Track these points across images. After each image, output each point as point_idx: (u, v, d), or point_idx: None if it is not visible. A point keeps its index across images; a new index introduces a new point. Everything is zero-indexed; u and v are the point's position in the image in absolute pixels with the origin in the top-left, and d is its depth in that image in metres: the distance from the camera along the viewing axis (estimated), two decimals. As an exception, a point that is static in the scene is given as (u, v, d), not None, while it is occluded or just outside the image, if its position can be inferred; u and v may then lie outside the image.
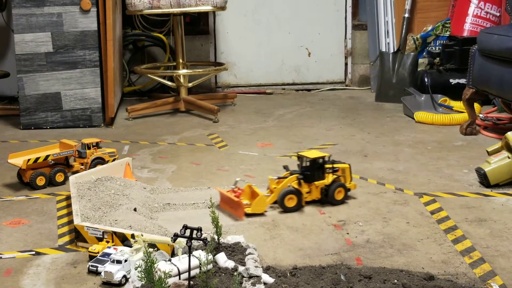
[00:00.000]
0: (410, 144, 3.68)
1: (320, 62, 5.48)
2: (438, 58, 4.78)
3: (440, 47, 4.87)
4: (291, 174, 2.68)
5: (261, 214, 2.59)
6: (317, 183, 2.66)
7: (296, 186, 2.64)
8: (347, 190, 2.73)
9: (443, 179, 3.04)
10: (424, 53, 4.99)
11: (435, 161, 3.33)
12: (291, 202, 2.62)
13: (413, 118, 4.22)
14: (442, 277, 2.03)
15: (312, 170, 2.66)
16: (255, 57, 5.44)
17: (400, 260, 2.17)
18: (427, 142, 3.71)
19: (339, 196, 2.69)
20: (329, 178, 2.68)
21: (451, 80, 4.65)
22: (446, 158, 3.38)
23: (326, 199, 2.68)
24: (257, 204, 2.58)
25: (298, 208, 2.63)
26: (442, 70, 4.71)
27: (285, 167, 2.74)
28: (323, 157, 2.68)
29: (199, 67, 4.84)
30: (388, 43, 5.11)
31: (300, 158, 2.71)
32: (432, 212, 2.61)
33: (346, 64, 5.49)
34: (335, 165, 2.71)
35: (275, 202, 2.65)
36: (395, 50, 5.02)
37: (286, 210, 2.61)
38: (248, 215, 2.57)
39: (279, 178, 2.70)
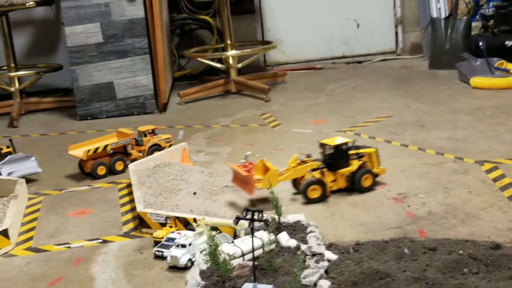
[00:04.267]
0: (468, 111, 3.58)
1: (369, 33, 5.38)
2: (492, 21, 4.62)
3: (494, 9, 4.71)
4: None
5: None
6: (341, 171, 2.50)
7: (318, 176, 2.48)
8: (375, 176, 2.55)
9: (504, 145, 2.95)
10: (477, 16, 4.85)
11: (494, 127, 3.24)
12: (314, 193, 2.46)
13: (469, 84, 4.11)
14: (509, 245, 1.99)
15: (336, 157, 2.49)
16: (302, 33, 5.39)
17: (464, 230, 2.14)
18: (485, 108, 3.60)
19: (367, 182, 2.52)
20: (355, 165, 2.51)
21: (506, 42, 4.49)
22: (506, 123, 3.28)
23: (353, 187, 2.52)
24: (268, 179, 2.44)
25: (322, 199, 2.47)
26: (496, 32, 4.55)
27: (308, 156, 2.58)
28: (346, 143, 2.50)
29: (247, 47, 4.82)
30: (439, 8, 4.97)
31: (322, 146, 2.54)
32: (495, 180, 2.55)
33: (396, 33, 5.38)
34: (360, 151, 2.55)
35: (293, 182, 2.53)
36: (447, 15, 4.88)
37: (309, 201, 2.46)
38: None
39: (302, 161, 2.53)
